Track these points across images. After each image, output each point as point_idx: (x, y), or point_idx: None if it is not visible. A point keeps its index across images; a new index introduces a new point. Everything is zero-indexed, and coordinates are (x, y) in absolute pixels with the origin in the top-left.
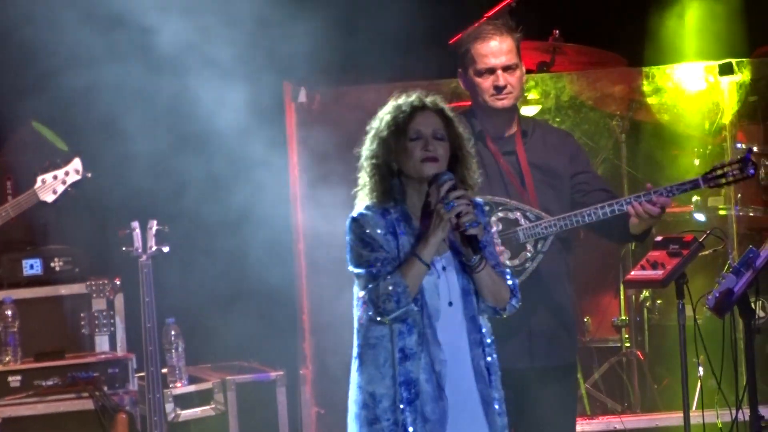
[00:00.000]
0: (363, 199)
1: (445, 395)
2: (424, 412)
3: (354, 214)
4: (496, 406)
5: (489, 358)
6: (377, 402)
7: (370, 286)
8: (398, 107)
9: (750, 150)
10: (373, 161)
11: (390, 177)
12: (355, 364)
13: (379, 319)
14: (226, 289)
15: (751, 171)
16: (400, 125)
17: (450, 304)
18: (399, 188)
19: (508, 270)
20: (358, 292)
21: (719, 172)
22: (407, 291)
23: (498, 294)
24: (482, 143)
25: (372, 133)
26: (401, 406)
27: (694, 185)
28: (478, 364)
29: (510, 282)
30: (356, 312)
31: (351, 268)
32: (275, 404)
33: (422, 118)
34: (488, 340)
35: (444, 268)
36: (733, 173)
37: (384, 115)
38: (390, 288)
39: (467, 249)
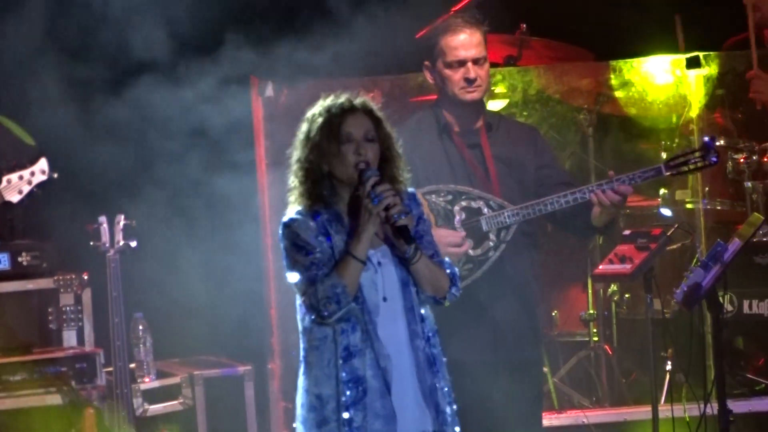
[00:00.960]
0: (294, 204)
1: (389, 391)
2: (374, 408)
3: (285, 219)
4: (442, 396)
5: (433, 349)
6: (325, 403)
7: (310, 291)
8: (328, 110)
9: (713, 137)
10: (305, 165)
11: (321, 180)
12: (301, 368)
13: (321, 321)
14: (194, 284)
15: (713, 159)
16: (332, 128)
17: (384, 299)
18: (330, 191)
19: (447, 259)
20: (298, 297)
21: (681, 159)
22: (346, 291)
23: (436, 283)
24: (447, 136)
25: (302, 136)
26: (345, 404)
27: (656, 173)
28: (419, 356)
29: (449, 271)
30: (299, 315)
31: (288, 275)
32: (243, 399)
33: (353, 120)
34: (430, 331)
35: (380, 263)
36: (695, 161)
37: (314, 118)
38: (329, 290)
39: (400, 240)
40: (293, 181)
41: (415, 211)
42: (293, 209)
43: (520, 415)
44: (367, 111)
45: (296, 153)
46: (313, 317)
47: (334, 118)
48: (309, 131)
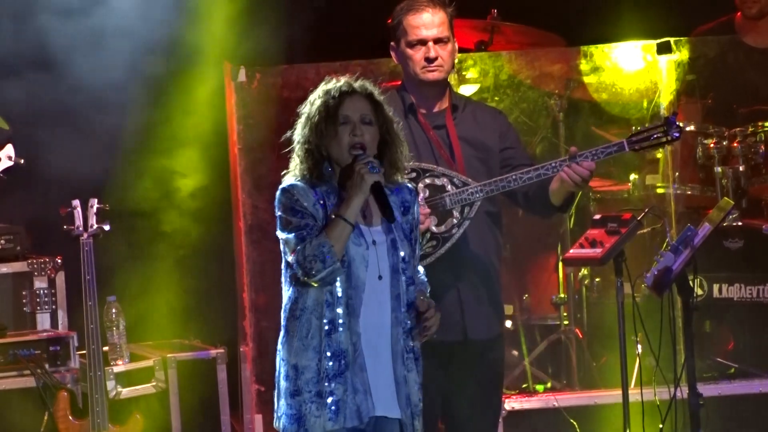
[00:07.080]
0: (293, 177)
1: (365, 367)
2: (354, 383)
3: (284, 185)
4: (412, 389)
5: (411, 342)
6: (300, 374)
7: (299, 248)
8: (328, 92)
9: (675, 113)
10: (306, 146)
11: (321, 161)
12: (281, 338)
13: (307, 280)
14: (167, 267)
15: (675, 134)
16: (330, 110)
17: (380, 277)
18: (329, 171)
19: (421, 275)
20: (286, 262)
21: (644, 135)
22: (332, 250)
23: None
24: (413, 116)
25: (303, 118)
26: (327, 376)
27: (618, 148)
28: (397, 343)
29: (421, 283)
30: (284, 286)
31: (279, 234)
32: (216, 382)
33: (350, 102)
34: (409, 322)
35: (374, 242)
36: (657, 136)
37: (315, 100)
38: (316, 249)
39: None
40: (294, 160)
41: (414, 207)
42: (292, 179)
43: (482, 395)
44: (366, 94)
45: (297, 135)
46: (300, 274)
47: (333, 101)
48: (309, 113)
